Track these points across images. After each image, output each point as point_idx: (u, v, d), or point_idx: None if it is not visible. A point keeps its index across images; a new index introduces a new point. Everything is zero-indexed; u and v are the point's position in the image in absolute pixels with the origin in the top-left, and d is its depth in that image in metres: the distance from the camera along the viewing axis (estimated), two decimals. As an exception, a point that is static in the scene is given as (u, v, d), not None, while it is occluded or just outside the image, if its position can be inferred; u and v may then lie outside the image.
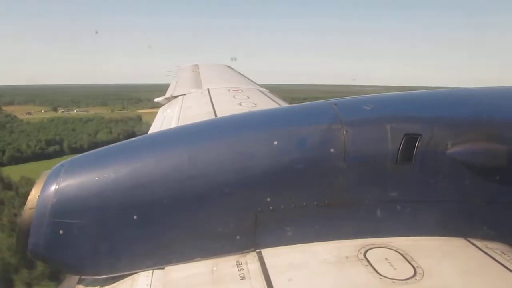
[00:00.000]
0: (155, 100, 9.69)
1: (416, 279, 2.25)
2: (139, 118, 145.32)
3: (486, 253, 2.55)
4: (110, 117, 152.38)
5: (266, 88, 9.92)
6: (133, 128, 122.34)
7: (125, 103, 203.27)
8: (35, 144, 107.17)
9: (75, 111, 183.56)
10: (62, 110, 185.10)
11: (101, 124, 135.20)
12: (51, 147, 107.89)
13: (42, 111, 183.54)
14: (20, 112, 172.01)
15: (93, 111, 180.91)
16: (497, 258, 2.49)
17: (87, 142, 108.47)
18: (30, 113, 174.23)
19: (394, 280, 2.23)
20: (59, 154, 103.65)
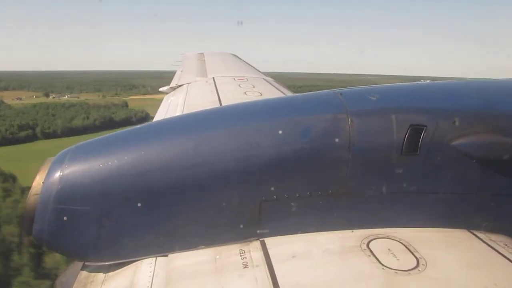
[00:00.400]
0: (160, 89, 9.65)
1: (419, 270, 2.25)
2: (125, 104, 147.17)
3: (489, 245, 2.55)
4: (94, 102, 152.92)
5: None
6: (112, 114, 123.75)
7: (119, 90, 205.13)
8: (6, 128, 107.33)
9: (66, 97, 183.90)
10: (53, 96, 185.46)
11: (82, 109, 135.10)
12: (23, 132, 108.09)
13: (34, 96, 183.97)
14: (11, 97, 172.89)
15: (85, 97, 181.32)
16: (500, 251, 2.49)
17: (61, 127, 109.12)
18: (20, 99, 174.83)
19: (397, 271, 2.23)
20: (31, 139, 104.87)
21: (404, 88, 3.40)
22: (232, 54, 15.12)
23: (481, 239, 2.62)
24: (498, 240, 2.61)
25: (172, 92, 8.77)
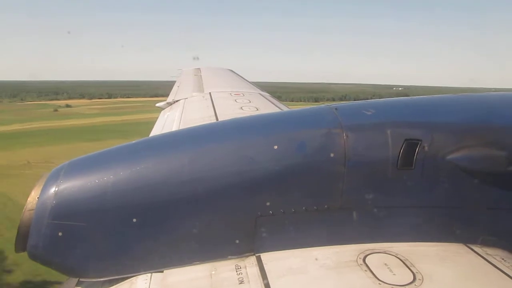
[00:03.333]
0: (157, 105, 9.65)
1: (415, 285, 2.24)
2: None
3: (486, 259, 2.54)
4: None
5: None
6: None
7: (24, 96, 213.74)
8: None
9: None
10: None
11: None
12: None
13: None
14: None
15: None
16: (497, 265, 2.48)
17: None
18: None
19: (393, 286, 2.22)
20: None
21: (399, 102, 3.42)
22: (229, 70, 15.22)
23: (478, 253, 2.61)
24: (494, 254, 2.60)
25: (168, 108, 8.79)
